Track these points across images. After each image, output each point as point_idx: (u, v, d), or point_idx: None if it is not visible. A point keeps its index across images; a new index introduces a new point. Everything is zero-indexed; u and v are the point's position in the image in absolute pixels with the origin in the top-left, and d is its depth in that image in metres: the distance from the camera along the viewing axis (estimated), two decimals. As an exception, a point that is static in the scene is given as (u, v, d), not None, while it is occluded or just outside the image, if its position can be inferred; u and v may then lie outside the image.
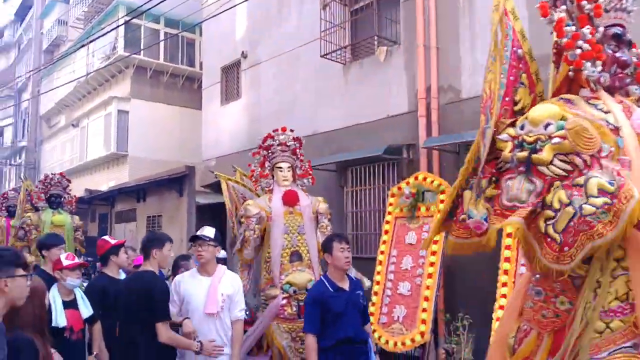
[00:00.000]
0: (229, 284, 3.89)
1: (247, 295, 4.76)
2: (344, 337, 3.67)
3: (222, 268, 3.93)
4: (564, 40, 2.16)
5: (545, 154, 1.86)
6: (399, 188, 7.15)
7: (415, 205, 6.87)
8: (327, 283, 3.78)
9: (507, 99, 2.18)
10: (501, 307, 5.74)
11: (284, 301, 4.97)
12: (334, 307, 3.65)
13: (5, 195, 10.80)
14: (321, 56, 8.68)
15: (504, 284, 5.83)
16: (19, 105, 28.96)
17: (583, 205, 1.73)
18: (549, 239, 1.82)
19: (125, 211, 15.96)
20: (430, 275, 6.35)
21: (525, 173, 1.90)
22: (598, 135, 1.88)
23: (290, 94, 9.90)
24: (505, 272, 5.87)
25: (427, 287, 6.46)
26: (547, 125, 1.92)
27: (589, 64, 2.12)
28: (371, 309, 6.48)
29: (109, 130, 17.58)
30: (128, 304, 3.59)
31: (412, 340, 6.16)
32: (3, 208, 10.38)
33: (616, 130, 1.98)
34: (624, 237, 1.78)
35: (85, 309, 4.02)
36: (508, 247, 5.92)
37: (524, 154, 1.91)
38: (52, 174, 8.71)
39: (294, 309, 4.95)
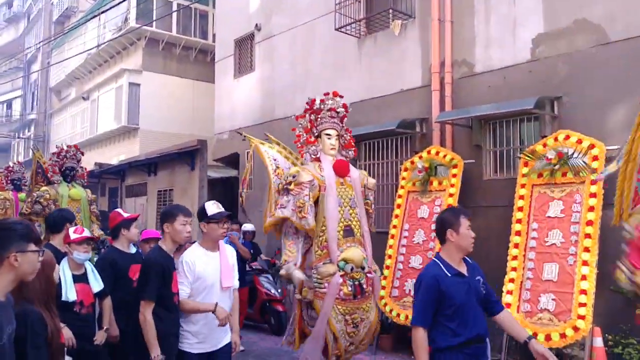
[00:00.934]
0: (231, 256, 3.85)
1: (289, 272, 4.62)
2: (469, 335, 2.92)
3: (221, 241, 3.78)
4: None
5: None
6: (412, 162, 7.21)
7: (428, 179, 6.92)
8: (442, 266, 3.02)
9: None
10: (511, 280, 5.84)
11: (340, 279, 4.59)
12: (454, 296, 2.91)
13: (9, 169, 10.62)
14: (336, 29, 8.65)
15: (514, 258, 5.92)
16: (28, 77, 28.93)
17: None
18: None
19: (136, 185, 16.04)
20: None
21: None
22: None
23: (304, 67, 9.90)
24: (516, 245, 5.95)
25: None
26: None
27: None
28: (382, 282, 6.57)
29: (120, 103, 17.59)
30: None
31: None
32: (8, 181, 10.25)
33: None
34: None
35: (96, 283, 3.99)
36: (519, 221, 5.99)
37: None
38: (67, 146, 8.54)
39: (350, 288, 4.59)
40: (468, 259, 3.22)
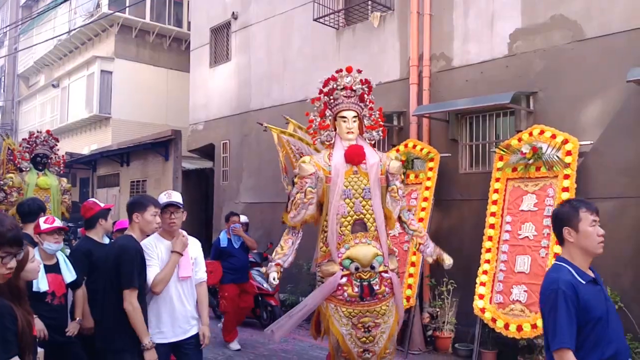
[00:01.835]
0: (194, 247, 3.80)
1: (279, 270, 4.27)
2: (611, 353, 2.38)
3: (182, 232, 3.70)
4: None
5: None
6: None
7: (405, 172, 6.95)
8: (573, 271, 2.45)
9: None
10: (485, 272, 5.93)
11: (344, 279, 4.14)
12: (593, 308, 2.36)
13: None
14: (314, 19, 8.59)
15: (488, 250, 6.00)
16: (-6, 63, 28.06)
17: None
18: None
19: (108, 175, 15.76)
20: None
21: None
22: None
23: (282, 57, 9.81)
24: (490, 238, 6.04)
25: (413, 253, 6.61)
26: None
27: None
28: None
29: (91, 91, 17.20)
30: (106, 270, 3.39)
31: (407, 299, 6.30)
32: None
33: None
34: None
35: (68, 274, 3.92)
36: (493, 214, 6.07)
37: None
38: (37, 131, 8.09)
39: (356, 289, 4.13)
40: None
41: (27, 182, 7.47)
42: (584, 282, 2.42)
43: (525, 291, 5.59)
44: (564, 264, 2.50)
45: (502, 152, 6.13)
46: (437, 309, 6.66)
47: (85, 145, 17.45)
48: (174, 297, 3.52)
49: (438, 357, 6.43)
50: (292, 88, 9.48)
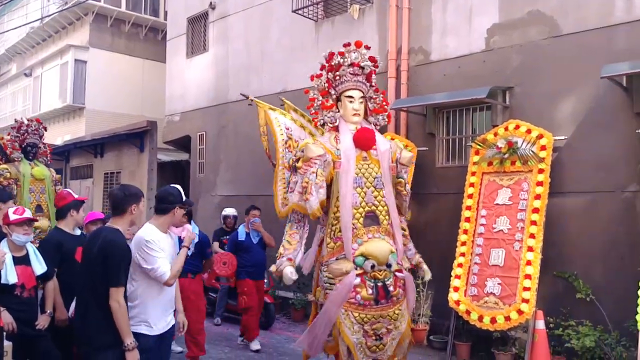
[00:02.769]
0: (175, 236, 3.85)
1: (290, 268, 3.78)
2: None
3: (188, 226, 3.76)
4: None
5: None
6: (367, 148, 7.21)
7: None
8: None
9: None
10: (460, 265, 5.97)
11: (357, 280, 3.65)
12: None
13: None
14: (293, 11, 8.53)
15: (463, 243, 6.05)
16: (-37, 50, 27.22)
17: None
18: None
19: (82, 167, 15.46)
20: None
21: None
22: None
23: (260, 49, 9.72)
24: (465, 231, 6.08)
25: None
26: None
27: None
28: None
29: (65, 80, 16.82)
30: (88, 263, 3.21)
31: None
32: None
33: None
34: None
35: (39, 266, 3.82)
36: (468, 208, 6.12)
37: None
38: (28, 120, 7.73)
39: (370, 291, 3.64)
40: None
41: (23, 172, 7.17)
42: None
43: (499, 284, 5.65)
44: None
45: (478, 146, 6.17)
46: (413, 302, 6.69)
47: (58, 135, 17.06)
48: (166, 289, 3.47)
49: (413, 349, 6.41)
50: (270, 79, 9.40)
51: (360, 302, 3.66)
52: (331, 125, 3.99)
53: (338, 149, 3.84)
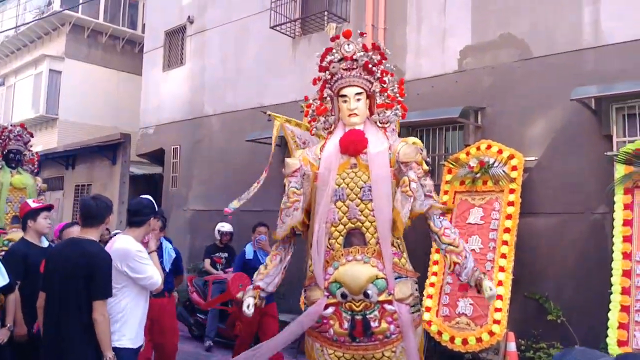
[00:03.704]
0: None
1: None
2: None
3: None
4: None
5: None
6: (341, 165, 7.17)
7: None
8: None
9: None
10: (432, 285, 5.93)
11: (329, 310, 3.14)
12: None
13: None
14: (270, 27, 8.54)
15: (435, 262, 6.02)
16: (-64, 58, 26.63)
17: None
18: None
19: (52, 178, 15.13)
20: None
21: None
22: None
23: (237, 64, 9.69)
24: (437, 250, 6.02)
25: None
26: None
27: None
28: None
29: (38, 90, 16.56)
30: (66, 277, 3.09)
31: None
32: None
33: None
34: None
35: (0, 278, 3.67)
36: (437, 251, 6.05)
37: None
38: (10, 125, 7.29)
39: (345, 325, 3.10)
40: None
41: (1, 181, 6.75)
42: None
43: (471, 304, 5.62)
44: None
45: (450, 165, 6.19)
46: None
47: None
48: (144, 301, 3.45)
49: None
50: (246, 95, 9.35)
51: (334, 338, 3.14)
52: (327, 132, 3.53)
53: (320, 159, 3.38)
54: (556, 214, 5.80)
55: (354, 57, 3.41)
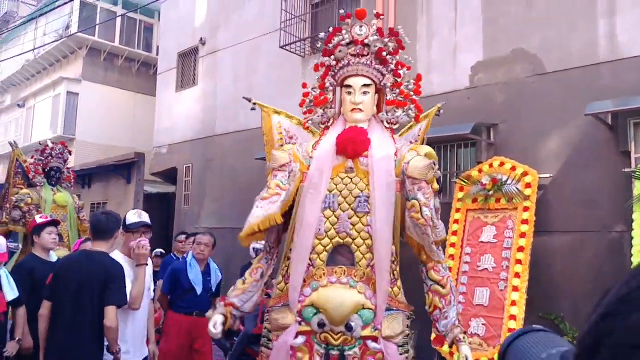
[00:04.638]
0: (150, 264, 3.82)
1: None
2: None
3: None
4: None
5: None
6: (351, 183, 7.09)
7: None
8: None
9: None
10: (444, 305, 5.77)
11: (300, 340, 2.59)
12: None
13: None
14: (280, 47, 8.57)
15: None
16: (-40, 81, 27.35)
17: None
18: None
19: (69, 197, 15.37)
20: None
21: None
22: None
23: (248, 83, 9.74)
24: (449, 269, 5.90)
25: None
26: None
27: None
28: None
29: (56, 112, 16.92)
30: (80, 289, 3.22)
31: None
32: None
33: None
34: None
35: (11, 292, 3.74)
36: (452, 245, 5.96)
37: None
38: (52, 143, 7.25)
39: (317, 359, 2.56)
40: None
41: (45, 198, 6.62)
42: None
43: (483, 324, 5.44)
44: None
45: (462, 183, 6.07)
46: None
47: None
48: (140, 315, 3.49)
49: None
50: (257, 114, 9.29)
51: None
52: (323, 127, 3.00)
53: (311, 158, 2.85)
54: (572, 232, 5.62)
55: (366, 41, 2.84)
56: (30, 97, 19.13)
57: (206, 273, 4.84)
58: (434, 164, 2.75)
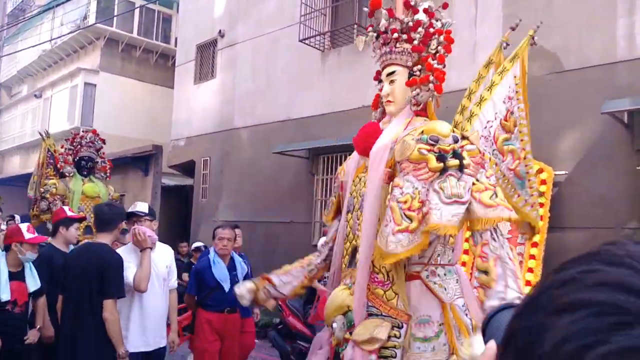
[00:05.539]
0: (167, 255, 3.91)
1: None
2: None
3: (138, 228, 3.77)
4: None
5: None
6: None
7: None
8: None
9: None
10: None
11: (326, 345, 2.67)
12: None
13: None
14: (299, 41, 8.68)
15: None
16: (-23, 71, 27.63)
17: None
18: None
19: (86, 188, 15.56)
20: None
21: None
22: None
23: (266, 77, 9.86)
24: (463, 263, 6.00)
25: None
26: None
27: None
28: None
29: (74, 103, 17.04)
30: (80, 279, 3.31)
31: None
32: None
33: None
34: None
35: (33, 282, 3.82)
36: (466, 240, 6.00)
37: None
38: (83, 131, 6.96)
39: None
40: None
41: (72, 189, 6.41)
42: None
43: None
44: None
45: (479, 179, 6.16)
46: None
47: (64, 157, 17.22)
48: (152, 305, 3.58)
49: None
50: (275, 107, 9.50)
51: None
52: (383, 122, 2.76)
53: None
54: (586, 228, 5.72)
55: (389, 28, 2.61)
56: (47, 87, 19.25)
57: (231, 267, 4.58)
58: (432, 139, 2.33)
